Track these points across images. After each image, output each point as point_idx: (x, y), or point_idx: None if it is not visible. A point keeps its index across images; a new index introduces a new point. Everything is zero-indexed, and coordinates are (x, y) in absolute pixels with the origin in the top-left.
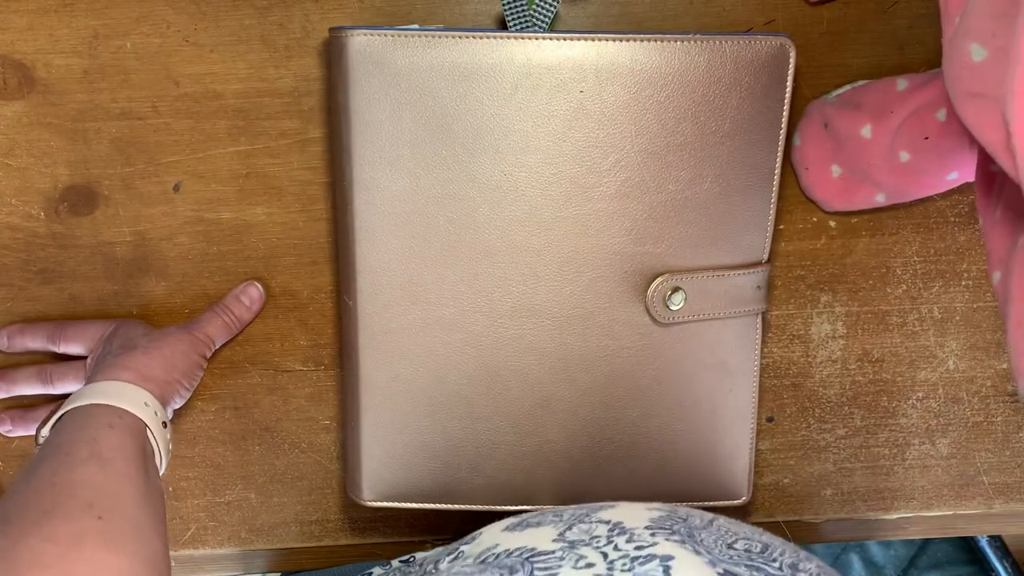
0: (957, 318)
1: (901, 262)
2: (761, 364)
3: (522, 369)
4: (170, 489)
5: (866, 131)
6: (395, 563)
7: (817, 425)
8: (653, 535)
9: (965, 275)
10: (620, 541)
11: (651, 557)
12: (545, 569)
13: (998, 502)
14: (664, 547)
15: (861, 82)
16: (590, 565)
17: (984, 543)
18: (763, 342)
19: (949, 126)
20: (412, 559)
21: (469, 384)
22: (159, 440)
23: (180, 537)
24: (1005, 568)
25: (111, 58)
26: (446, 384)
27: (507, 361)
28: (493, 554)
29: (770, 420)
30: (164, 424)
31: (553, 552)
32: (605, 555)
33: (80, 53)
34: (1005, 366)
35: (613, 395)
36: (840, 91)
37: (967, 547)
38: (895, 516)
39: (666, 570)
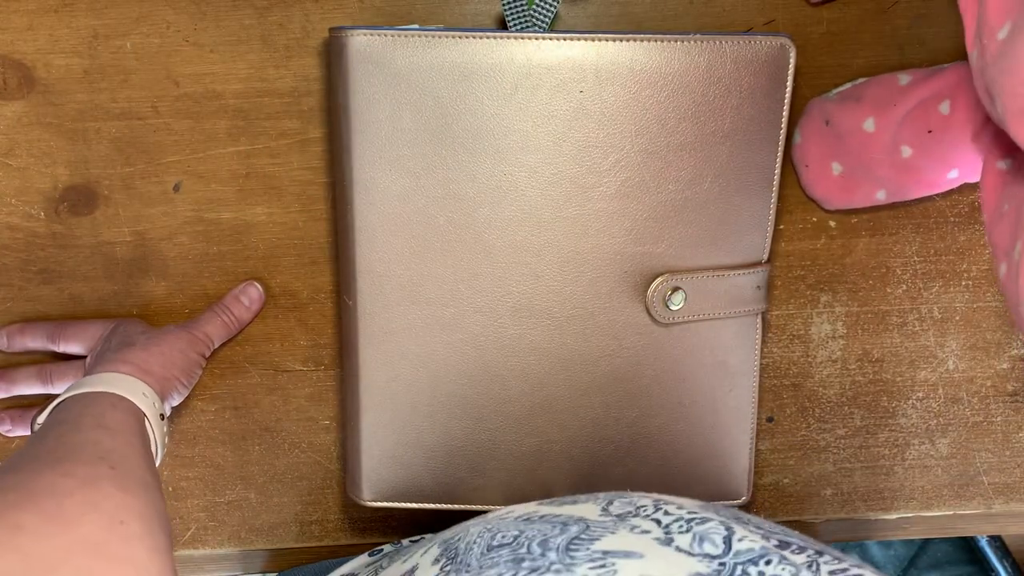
0: (957, 318)
1: (901, 262)
2: (761, 364)
3: (522, 369)
4: (170, 489)
5: (868, 124)
6: (405, 542)
7: (817, 425)
8: (703, 508)
9: (965, 275)
10: (669, 508)
11: (707, 519)
12: (602, 528)
13: (998, 502)
14: (719, 516)
15: (861, 80)
16: (646, 532)
17: (984, 543)
18: (763, 342)
19: (952, 119)
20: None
21: (469, 384)
22: (156, 431)
23: (180, 537)
24: (1005, 568)
25: (111, 58)
26: (446, 384)
27: (507, 361)
28: (537, 515)
29: (770, 420)
30: (162, 416)
31: (604, 522)
32: (658, 521)
33: (80, 53)
34: (1005, 366)
35: (613, 395)
36: (840, 89)
37: (967, 547)
38: (895, 516)
39: (729, 529)
